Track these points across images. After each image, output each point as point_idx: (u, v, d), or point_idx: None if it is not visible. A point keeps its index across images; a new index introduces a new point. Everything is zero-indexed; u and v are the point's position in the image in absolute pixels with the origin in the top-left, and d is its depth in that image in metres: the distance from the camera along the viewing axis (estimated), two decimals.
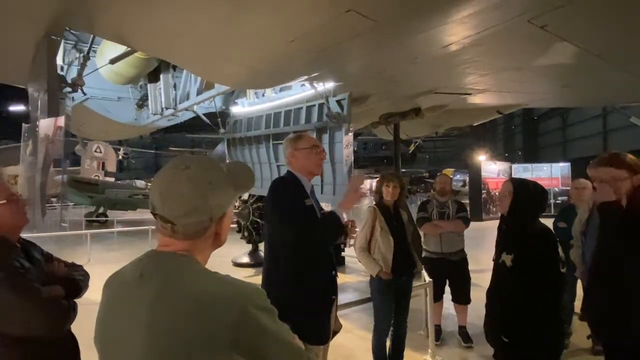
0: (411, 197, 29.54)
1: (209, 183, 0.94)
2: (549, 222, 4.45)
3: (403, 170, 34.57)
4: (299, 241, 2.10)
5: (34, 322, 1.51)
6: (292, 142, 2.32)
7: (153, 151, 39.22)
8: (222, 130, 7.06)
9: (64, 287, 1.65)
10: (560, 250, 2.10)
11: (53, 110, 2.63)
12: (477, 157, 20.21)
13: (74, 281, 1.73)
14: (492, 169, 18.71)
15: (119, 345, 0.92)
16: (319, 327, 2.17)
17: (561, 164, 19.01)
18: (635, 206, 1.93)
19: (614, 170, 2.00)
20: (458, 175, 29.65)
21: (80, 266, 1.86)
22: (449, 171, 30.19)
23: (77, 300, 1.72)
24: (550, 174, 18.63)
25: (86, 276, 1.81)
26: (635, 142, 19.42)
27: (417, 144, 15.31)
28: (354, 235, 2.43)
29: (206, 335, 0.85)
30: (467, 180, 22.32)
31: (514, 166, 19.70)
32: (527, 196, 2.14)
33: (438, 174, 6.16)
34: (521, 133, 37.46)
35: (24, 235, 1.80)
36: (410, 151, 16.67)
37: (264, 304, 0.92)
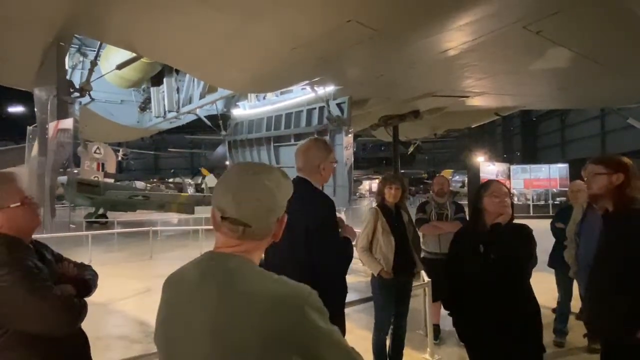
0: (411, 198, 29.59)
1: (277, 187, 1.01)
2: (548, 223, 4.54)
3: (402, 171, 34.52)
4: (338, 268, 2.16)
5: (49, 320, 1.57)
6: (326, 154, 2.23)
7: (152, 152, 39.25)
8: (223, 133, 7.13)
9: (74, 286, 1.72)
10: None
11: (62, 114, 2.70)
12: (476, 158, 20.31)
13: (84, 281, 1.80)
14: (491, 170, 18.81)
15: (182, 345, 0.96)
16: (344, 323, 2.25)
17: (559, 165, 19.08)
18: (617, 206, 1.96)
19: (593, 166, 2.05)
20: (457, 176, 29.70)
21: (89, 266, 1.92)
22: (448, 172, 30.24)
23: None
24: (549, 175, 18.71)
25: (95, 276, 1.87)
26: (633, 143, 19.55)
27: (416, 145, 15.36)
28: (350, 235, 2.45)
29: (267, 336, 0.87)
30: (466, 181, 22.39)
31: (513, 167, 19.76)
32: None
33: (436, 175, 6.22)
34: (520, 134, 37.59)
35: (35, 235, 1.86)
36: (409, 152, 16.73)
37: (319, 305, 0.94)
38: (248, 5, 2.25)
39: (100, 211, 18.39)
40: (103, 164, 21.75)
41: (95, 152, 21.22)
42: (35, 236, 1.83)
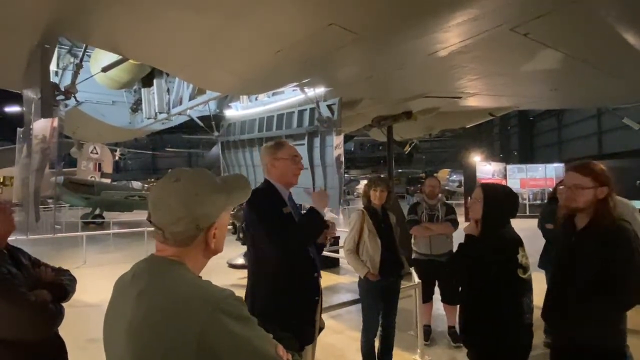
0: (408, 197, 29.60)
1: (195, 195, 1.00)
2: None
3: (399, 170, 34.62)
4: (284, 255, 2.10)
5: (22, 325, 1.57)
6: (271, 152, 2.27)
7: (150, 152, 39.18)
8: (216, 133, 7.12)
9: (50, 291, 1.71)
10: (521, 256, 2.08)
11: (46, 117, 2.69)
12: (472, 158, 20.33)
13: (61, 286, 1.79)
14: (487, 169, 18.86)
15: (113, 340, 0.98)
16: (303, 329, 2.18)
17: (555, 165, 19.13)
18: (597, 219, 1.90)
19: (579, 177, 1.96)
20: (454, 176, 29.70)
21: (67, 271, 1.92)
22: (445, 172, 30.27)
23: (69, 303, 1.78)
24: (545, 175, 18.76)
25: (73, 281, 1.87)
26: (629, 143, 19.59)
27: (412, 144, 15.35)
28: (334, 235, 2.42)
29: (175, 337, 0.88)
30: (463, 181, 22.40)
31: (509, 167, 19.80)
32: (498, 202, 2.17)
33: (421, 175, 6.23)
34: (517, 134, 37.62)
35: (18, 236, 1.85)
36: (407, 152, 16.75)
37: (235, 311, 0.93)
38: (228, 8, 2.25)
39: (97, 211, 18.36)
40: (100, 164, 21.71)
41: (91, 152, 21.17)
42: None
